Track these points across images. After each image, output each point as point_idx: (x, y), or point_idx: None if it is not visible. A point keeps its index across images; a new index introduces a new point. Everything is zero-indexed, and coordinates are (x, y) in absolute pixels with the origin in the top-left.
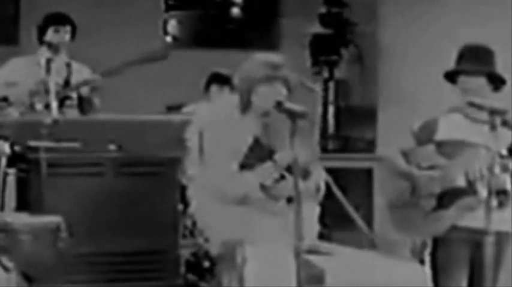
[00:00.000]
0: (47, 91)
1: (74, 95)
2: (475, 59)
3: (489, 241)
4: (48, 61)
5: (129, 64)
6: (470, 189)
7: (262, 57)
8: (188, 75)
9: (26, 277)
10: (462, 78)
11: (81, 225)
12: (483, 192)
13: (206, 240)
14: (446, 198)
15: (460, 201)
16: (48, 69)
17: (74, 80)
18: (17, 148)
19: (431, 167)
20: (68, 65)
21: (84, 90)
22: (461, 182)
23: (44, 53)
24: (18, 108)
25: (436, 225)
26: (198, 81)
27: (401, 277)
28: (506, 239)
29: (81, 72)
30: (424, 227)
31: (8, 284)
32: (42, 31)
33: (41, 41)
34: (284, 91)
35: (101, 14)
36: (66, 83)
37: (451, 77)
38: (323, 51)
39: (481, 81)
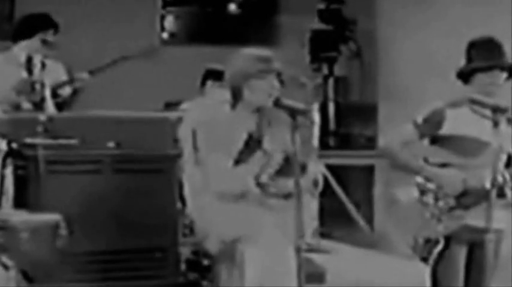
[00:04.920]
0: (33, 89)
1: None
2: (494, 53)
3: (490, 239)
4: (29, 59)
5: (116, 62)
6: (498, 191)
7: (252, 51)
8: (185, 71)
9: (26, 275)
10: (481, 74)
11: (80, 223)
12: (509, 193)
13: (205, 238)
14: (469, 198)
15: (486, 202)
16: (29, 67)
17: (48, 78)
18: (14, 145)
19: (443, 165)
20: (43, 64)
21: (67, 89)
22: (487, 183)
23: (22, 51)
24: (3, 106)
25: (450, 224)
26: (196, 78)
27: (401, 276)
28: (501, 236)
29: (57, 70)
30: (435, 226)
31: (7, 283)
32: (28, 30)
33: (17, 39)
34: (277, 85)
35: (97, 10)
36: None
37: (464, 73)
38: (322, 48)
39: (503, 75)
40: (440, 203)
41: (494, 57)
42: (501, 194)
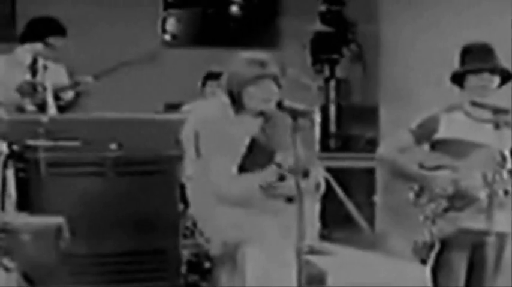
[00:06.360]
0: (35, 91)
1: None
2: (485, 57)
3: (491, 242)
4: (35, 61)
5: (119, 66)
6: (490, 191)
7: (248, 56)
8: (187, 73)
9: (27, 278)
10: (472, 77)
11: (82, 225)
12: (501, 194)
13: (207, 240)
14: (462, 200)
15: (478, 204)
16: (34, 70)
17: (50, 80)
18: (15, 147)
19: (437, 167)
20: (45, 67)
21: (69, 93)
22: (478, 184)
23: (27, 53)
24: (7, 108)
25: (445, 226)
26: (197, 80)
27: (402, 278)
28: (505, 240)
29: (58, 73)
30: (430, 228)
31: (8, 285)
32: (37, 34)
33: (24, 41)
34: (275, 89)
35: (99, 13)
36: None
37: (458, 78)
38: (324, 50)
39: (495, 79)
40: (433, 205)
41: (484, 61)
42: (493, 194)
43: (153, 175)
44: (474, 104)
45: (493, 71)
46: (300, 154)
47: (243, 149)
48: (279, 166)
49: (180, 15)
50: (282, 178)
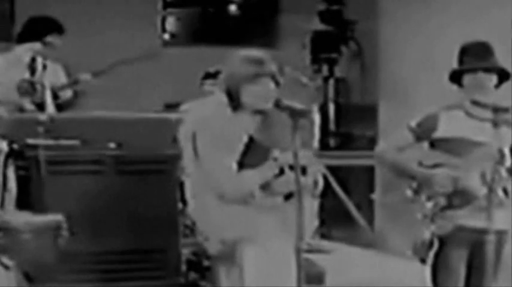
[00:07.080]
0: (34, 89)
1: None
2: (482, 56)
3: (490, 240)
4: (33, 60)
5: (118, 64)
6: (488, 189)
7: (246, 54)
8: (186, 72)
9: (27, 275)
10: (468, 76)
11: (81, 224)
12: (500, 192)
13: (205, 239)
14: (460, 198)
15: (477, 202)
16: (32, 68)
17: (48, 79)
18: (15, 146)
19: (435, 165)
20: (44, 66)
21: (68, 91)
22: (477, 182)
23: (26, 52)
24: (6, 106)
25: (443, 224)
26: (196, 79)
27: (401, 276)
28: (504, 238)
29: (57, 72)
30: (429, 226)
31: (7, 283)
32: (35, 33)
33: (22, 40)
34: (273, 87)
35: (98, 12)
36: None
37: (456, 76)
38: (323, 49)
39: (492, 78)
40: (431, 203)
41: (480, 60)
42: (492, 192)
43: (152, 173)
44: (474, 103)
45: (488, 70)
46: (298, 152)
47: (240, 147)
48: (275, 159)
49: (179, 14)
50: (280, 172)
